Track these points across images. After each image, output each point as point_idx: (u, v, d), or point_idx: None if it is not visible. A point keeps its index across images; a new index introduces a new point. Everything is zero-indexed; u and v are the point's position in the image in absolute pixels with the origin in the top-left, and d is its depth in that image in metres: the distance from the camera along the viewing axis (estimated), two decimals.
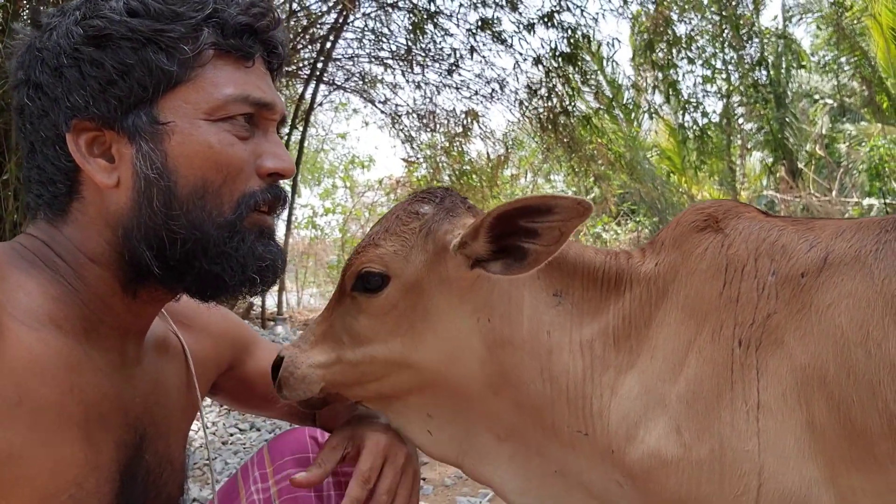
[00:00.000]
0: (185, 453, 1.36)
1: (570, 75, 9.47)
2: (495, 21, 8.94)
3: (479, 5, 8.83)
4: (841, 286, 1.15)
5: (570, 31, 8.92)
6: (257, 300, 9.78)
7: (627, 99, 11.80)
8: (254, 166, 1.16)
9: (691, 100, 10.49)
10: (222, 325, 1.52)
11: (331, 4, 8.83)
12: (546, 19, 8.79)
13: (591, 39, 9.23)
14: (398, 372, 1.33)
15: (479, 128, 10.70)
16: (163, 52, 1.10)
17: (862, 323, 1.11)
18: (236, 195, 1.14)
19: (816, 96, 16.84)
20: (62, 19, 1.12)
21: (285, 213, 9.07)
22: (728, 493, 1.15)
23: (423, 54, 9.51)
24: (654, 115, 12.01)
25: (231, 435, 4.33)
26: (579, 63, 9.34)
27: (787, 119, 14.14)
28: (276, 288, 10.87)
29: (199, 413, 1.40)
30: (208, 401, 5.35)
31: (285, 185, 1.24)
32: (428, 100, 10.35)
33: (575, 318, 1.32)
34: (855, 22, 15.30)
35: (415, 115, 10.85)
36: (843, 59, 16.13)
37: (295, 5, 8.85)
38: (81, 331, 1.10)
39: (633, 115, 12.30)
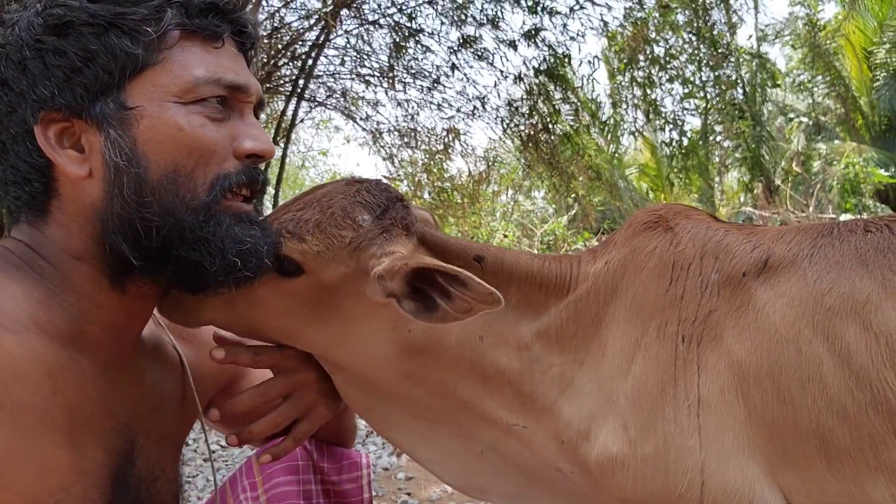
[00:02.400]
0: (180, 464, 1.33)
1: (551, 92, 9.55)
2: (478, 38, 9.00)
3: (460, 24, 8.90)
4: (777, 286, 1.19)
5: (550, 49, 9.00)
6: None
7: (607, 117, 11.90)
8: (230, 149, 1.13)
9: (671, 118, 10.61)
10: None
11: (312, 22, 8.85)
12: (529, 36, 8.87)
13: (571, 58, 9.31)
14: (292, 341, 1.33)
15: (461, 145, 10.74)
16: (126, 35, 1.07)
17: (794, 321, 1.16)
18: (210, 178, 1.11)
19: (792, 115, 17.12)
20: (24, 13, 1.09)
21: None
22: (673, 490, 1.16)
23: (405, 71, 9.55)
24: (634, 133, 12.12)
25: (213, 452, 4.28)
26: (560, 81, 9.42)
27: (763, 136, 14.32)
28: None
29: (198, 426, 1.39)
30: None
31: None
32: (410, 117, 10.38)
33: (510, 321, 1.31)
34: (828, 42, 15.60)
35: (396, 133, 10.87)
36: (818, 79, 16.43)
37: (276, 22, 8.87)
38: (67, 334, 1.08)
39: (611, 132, 12.40)
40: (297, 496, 1.34)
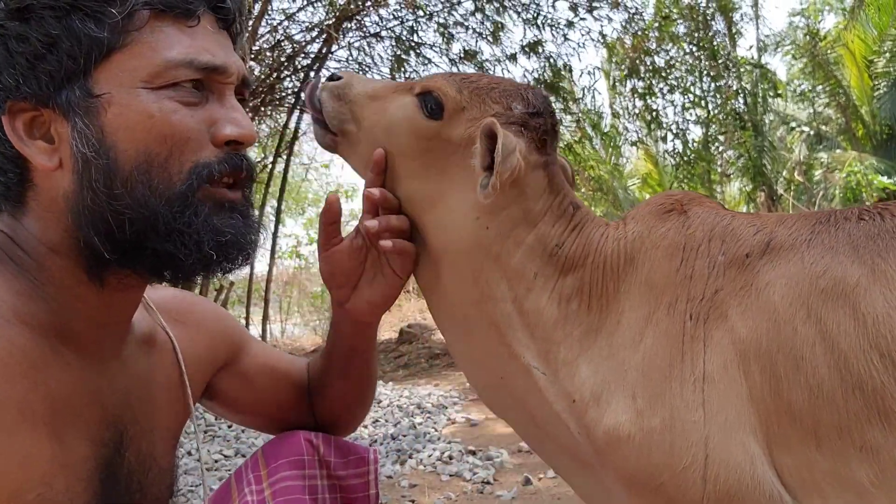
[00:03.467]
0: (176, 454, 1.30)
1: (552, 103, 9.59)
2: (478, 51, 9.06)
3: (460, 38, 8.97)
4: (778, 268, 1.24)
5: (550, 60, 9.06)
6: None
7: (608, 127, 11.95)
8: (207, 135, 1.07)
9: (672, 128, 10.65)
10: (215, 322, 1.46)
11: (315, 35, 8.92)
12: (529, 48, 8.93)
13: (572, 69, 9.37)
14: (398, 182, 1.38)
15: None
16: (90, 18, 1.02)
17: (791, 302, 1.20)
18: (186, 166, 1.04)
19: (793, 124, 17.15)
20: None
21: (269, 242, 9.02)
22: (677, 464, 1.19)
23: None
24: (636, 144, 12.16)
25: (216, 461, 4.28)
26: (561, 92, 9.47)
27: (765, 146, 14.36)
28: (259, 317, 10.84)
29: (191, 413, 1.34)
30: (198, 412, 5.27)
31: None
32: None
33: (561, 271, 1.36)
34: (829, 51, 15.64)
35: None
36: (818, 88, 16.46)
37: (279, 35, 8.95)
38: (50, 326, 1.05)
39: (612, 143, 12.44)
40: (302, 490, 1.33)
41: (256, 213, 1.23)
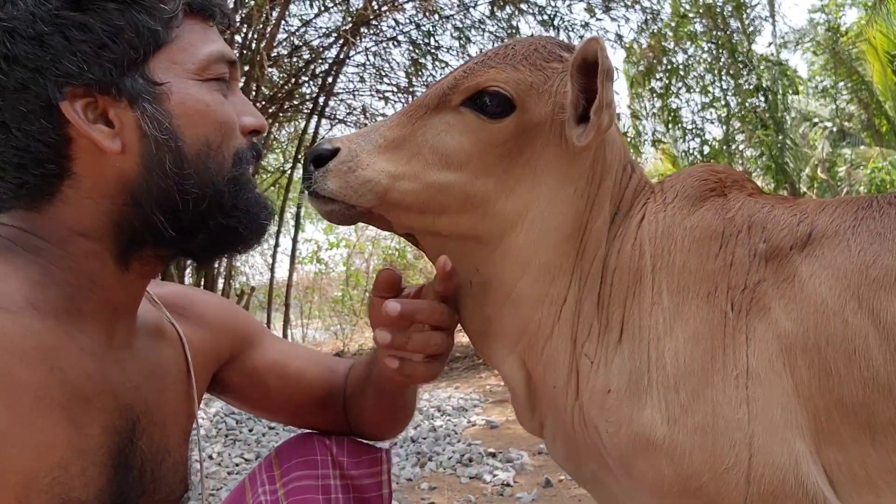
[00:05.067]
0: (189, 448, 1.32)
1: None
2: None
3: (476, 41, 8.97)
4: (822, 258, 1.18)
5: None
6: None
7: (626, 127, 11.89)
8: (238, 123, 1.18)
9: (692, 127, 10.58)
10: (220, 315, 1.47)
11: (332, 40, 8.96)
12: None
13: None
14: (468, 214, 1.23)
15: None
16: (146, 12, 1.09)
17: (840, 293, 1.14)
18: (231, 151, 1.16)
19: (816, 120, 16.97)
20: None
21: (289, 247, 9.04)
22: (719, 465, 1.12)
23: (424, 87, 9.62)
24: (655, 144, 12.09)
25: (237, 465, 4.31)
26: None
27: (786, 144, 14.21)
28: (280, 322, 10.90)
29: (196, 406, 1.35)
30: (212, 411, 5.28)
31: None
32: None
33: (618, 236, 1.29)
34: (850, 47, 15.46)
35: None
36: (840, 84, 16.27)
37: (297, 41, 9.00)
38: (64, 312, 1.07)
39: (630, 142, 12.37)
40: (315, 490, 1.34)
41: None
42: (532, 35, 1.22)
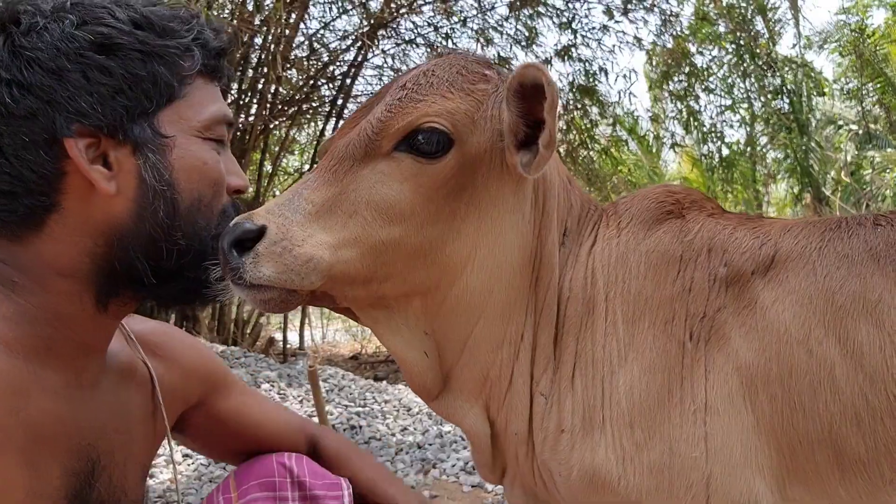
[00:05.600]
0: (145, 486, 1.32)
1: (588, 107, 9.52)
2: (513, 57, 9.03)
3: (495, 43, 8.94)
4: (786, 283, 1.12)
5: (586, 64, 8.99)
6: (279, 335, 9.84)
7: (646, 130, 11.80)
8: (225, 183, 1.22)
9: (713, 130, 10.48)
10: (193, 358, 1.47)
11: (350, 42, 8.98)
12: (563, 53, 8.87)
13: (608, 72, 9.27)
14: (416, 268, 1.13)
15: None
16: (165, 66, 1.13)
17: (804, 320, 1.09)
18: (217, 209, 1.19)
19: (841, 122, 16.71)
20: (52, 22, 1.08)
21: None
22: None
23: None
24: (675, 147, 11.98)
25: (202, 475, 4.31)
26: (597, 95, 9.38)
27: (811, 146, 14.01)
28: (297, 322, 10.94)
29: (165, 443, 1.36)
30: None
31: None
32: None
33: (561, 259, 1.24)
34: (876, 48, 15.20)
35: None
36: (868, 86, 16.01)
37: (315, 44, 9.03)
38: (33, 350, 1.07)
39: (650, 145, 12.29)
40: None
41: None
42: (446, 53, 1.32)
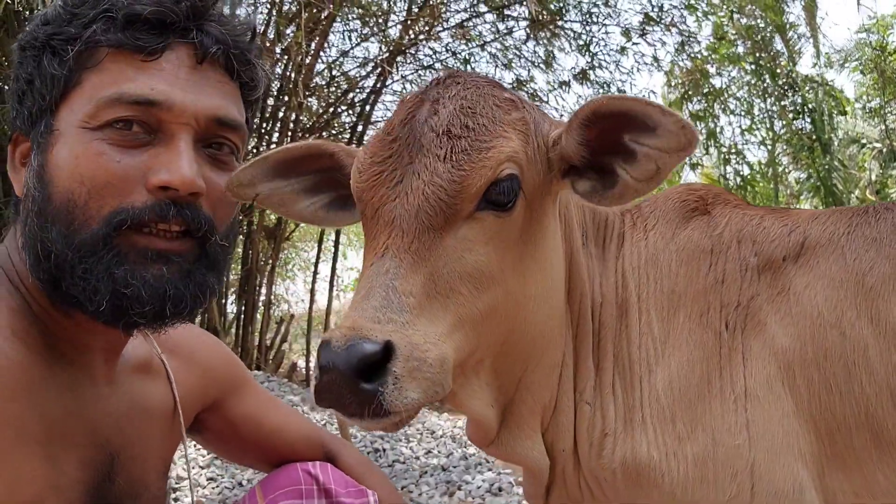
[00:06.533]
0: (167, 482, 1.30)
1: None
2: (531, 80, 9.08)
3: (514, 66, 9.00)
4: (817, 268, 1.13)
5: (604, 87, 9.00)
6: (302, 361, 9.84)
7: None
8: (141, 179, 1.03)
9: (733, 150, 10.43)
10: (210, 358, 1.44)
11: (369, 69, 9.07)
12: (580, 77, 8.90)
13: (627, 94, 9.27)
14: (505, 320, 1.06)
15: None
16: (55, 56, 1.04)
17: (836, 304, 1.10)
18: (105, 211, 1.02)
19: (864, 141, 16.59)
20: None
21: (328, 272, 9.05)
22: (721, 496, 1.06)
23: None
24: (695, 167, 11.94)
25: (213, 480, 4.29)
26: None
27: (834, 165, 13.91)
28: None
29: (183, 441, 1.35)
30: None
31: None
32: None
33: (588, 266, 1.21)
34: None
35: None
36: (892, 103, 15.89)
37: (335, 71, 9.13)
38: (43, 344, 1.05)
39: None
40: None
41: (213, 265, 1.11)
42: (447, 76, 1.01)
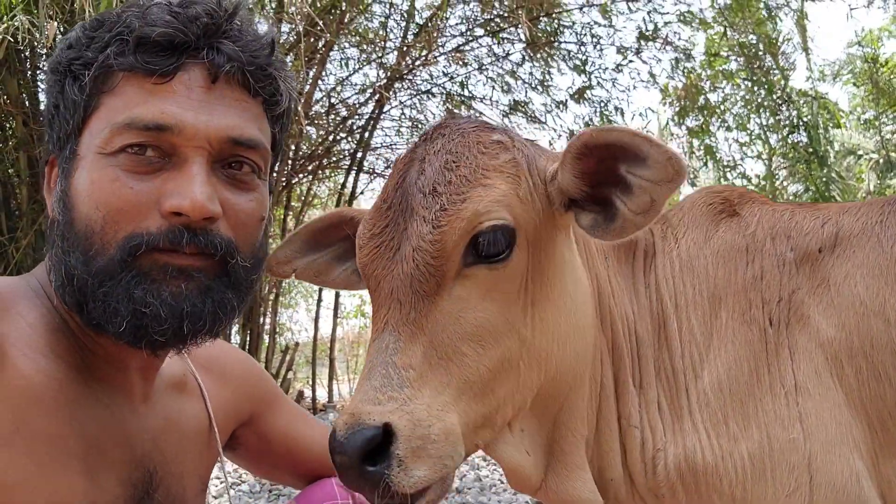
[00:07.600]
0: (205, 499, 1.29)
1: None
2: (528, 101, 9.14)
3: (509, 90, 9.06)
4: (854, 257, 1.14)
5: (601, 105, 9.06)
6: (308, 389, 9.79)
7: None
8: (155, 205, 1.02)
9: (730, 165, 10.48)
10: (242, 374, 1.43)
11: (367, 96, 9.13)
12: (577, 96, 8.95)
13: (623, 112, 9.34)
14: (514, 370, 1.02)
15: None
16: (76, 81, 1.04)
17: (877, 291, 1.10)
18: (120, 236, 1.01)
19: (860, 152, 16.69)
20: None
21: (331, 300, 9.05)
22: (779, 491, 1.05)
23: None
24: (694, 183, 11.99)
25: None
26: None
27: (831, 177, 13.97)
28: (325, 377, 10.88)
29: (221, 458, 1.34)
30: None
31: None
32: None
33: (616, 286, 1.19)
34: (891, 77, 15.23)
35: None
36: (886, 114, 16.00)
37: (334, 98, 9.19)
38: (81, 362, 1.06)
39: None
40: None
41: (234, 284, 1.08)
42: (434, 127, 1.03)
